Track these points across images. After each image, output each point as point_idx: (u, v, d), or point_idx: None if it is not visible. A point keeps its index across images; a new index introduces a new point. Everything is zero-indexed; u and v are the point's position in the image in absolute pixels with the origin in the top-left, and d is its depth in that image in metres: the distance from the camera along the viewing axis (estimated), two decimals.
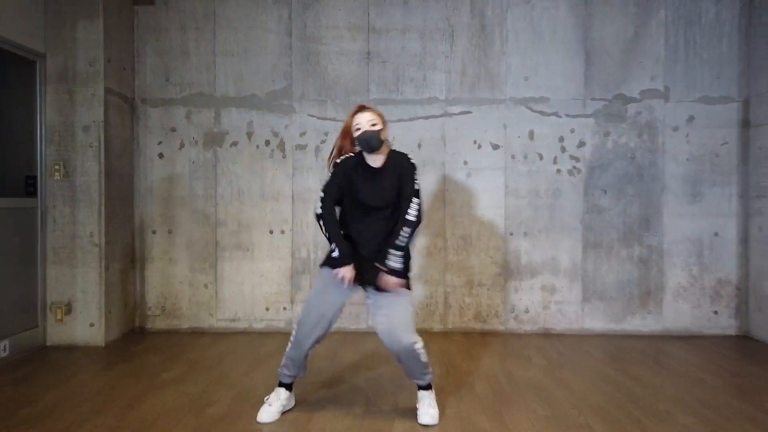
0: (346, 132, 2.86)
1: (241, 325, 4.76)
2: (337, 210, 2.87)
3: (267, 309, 4.76)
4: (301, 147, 4.76)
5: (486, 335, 4.63)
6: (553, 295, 4.71)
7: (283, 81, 4.76)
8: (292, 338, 2.91)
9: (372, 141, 2.75)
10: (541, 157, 4.72)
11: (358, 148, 2.86)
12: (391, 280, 2.77)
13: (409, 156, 2.90)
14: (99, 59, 4.24)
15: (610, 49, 4.70)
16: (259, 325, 4.75)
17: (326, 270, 2.87)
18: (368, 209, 2.82)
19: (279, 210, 4.75)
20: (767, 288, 4.38)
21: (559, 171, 4.71)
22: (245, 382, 3.44)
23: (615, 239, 4.69)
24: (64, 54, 4.23)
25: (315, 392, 3.26)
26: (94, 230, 4.25)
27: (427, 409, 2.80)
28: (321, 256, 4.74)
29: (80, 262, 4.25)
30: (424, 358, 2.79)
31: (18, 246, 4.02)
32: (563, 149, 4.71)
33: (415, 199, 2.81)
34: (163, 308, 4.76)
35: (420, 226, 2.85)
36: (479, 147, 4.74)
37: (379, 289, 2.80)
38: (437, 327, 4.74)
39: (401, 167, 2.84)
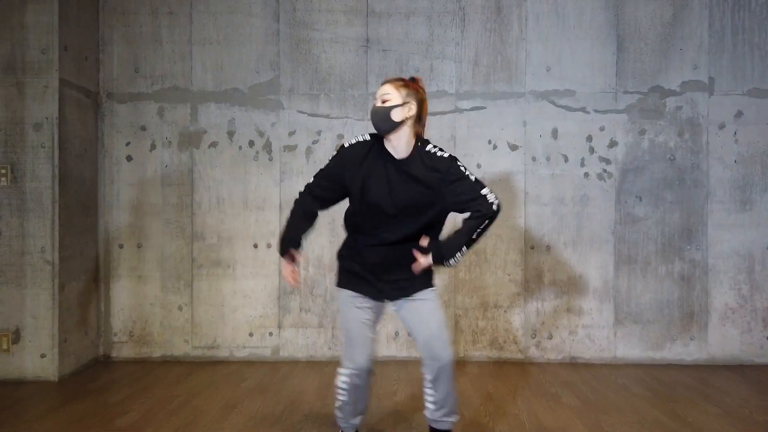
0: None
1: (221, 353, 4.13)
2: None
3: (251, 335, 4.13)
4: (290, 148, 4.15)
5: (503, 365, 4.01)
6: (581, 318, 4.08)
7: (269, 72, 4.16)
8: (344, 378, 2.34)
9: (376, 121, 2.16)
10: (566, 159, 4.10)
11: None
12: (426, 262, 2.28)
13: (442, 152, 2.29)
14: (53, 46, 3.64)
15: (646, 35, 4.09)
16: (241, 353, 4.13)
17: (343, 291, 2.41)
18: (383, 217, 2.23)
19: (265, 220, 4.14)
20: None
21: (587, 175, 4.09)
22: (217, 429, 2.82)
23: (652, 253, 4.07)
24: (11, 40, 3.63)
25: None
26: (47, 244, 3.63)
27: None
28: (313, 273, 4.13)
29: (30, 282, 3.63)
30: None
31: None
32: (592, 150, 4.09)
33: (483, 191, 2.25)
34: (131, 334, 4.14)
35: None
36: (495, 147, 4.12)
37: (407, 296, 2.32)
38: None
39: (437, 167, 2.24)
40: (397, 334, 4.13)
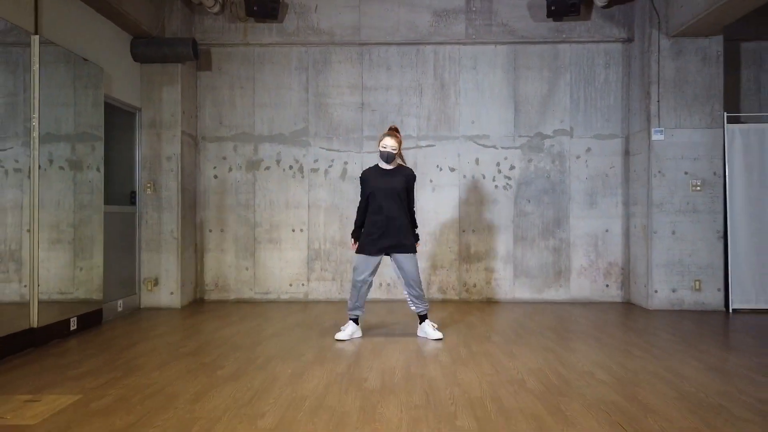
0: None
1: (272, 296, 6.69)
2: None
3: (290, 285, 6.69)
4: (315, 170, 6.73)
5: (446, 303, 6.56)
6: (493, 274, 6.66)
7: (302, 123, 6.74)
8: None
9: (386, 159, 4.72)
10: (483, 177, 6.69)
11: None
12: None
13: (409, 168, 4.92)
14: (177, 111, 6.22)
15: (532, 101, 6.70)
16: (284, 297, 6.69)
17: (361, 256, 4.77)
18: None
19: (299, 215, 6.71)
20: (639, 268, 6.34)
21: (496, 186, 6.68)
22: (281, 323, 5.39)
23: (536, 234, 6.65)
24: (153, 109, 6.21)
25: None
26: (174, 228, 6.20)
27: (433, 330, 4.70)
28: (329, 246, 6.70)
29: (164, 249, 6.19)
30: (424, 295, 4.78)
31: (125, 239, 5.97)
32: (499, 171, 6.68)
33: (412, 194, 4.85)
34: (216, 285, 6.70)
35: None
36: (441, 170, 6.70)
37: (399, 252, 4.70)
38: None
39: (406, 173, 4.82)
40: (380, 284, 6.69)
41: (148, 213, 6.20)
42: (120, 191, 6.09)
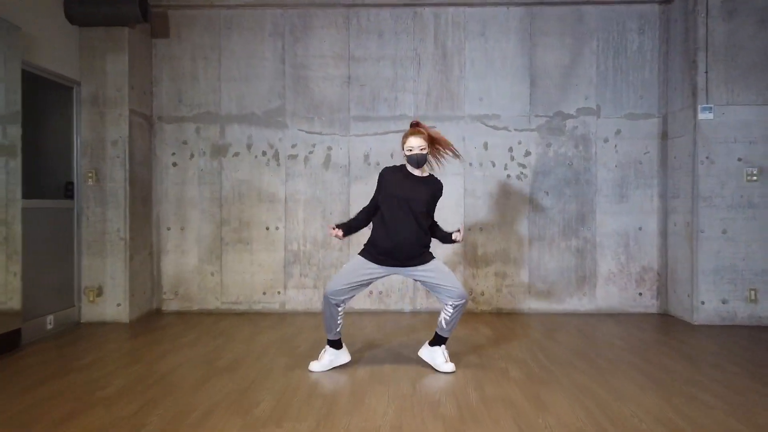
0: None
1: (242, 307, 5.64)
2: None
3: (264, 293, 5.64)
4: (293, 156, 5.66)
5: None
6: (504, 280, 5.61)
7: (277, 101, 5.66)
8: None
9: (418, 161, 3.65)
10: (493, 165, 5.62)
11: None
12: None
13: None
14: (125, 86, 5.15)
15: (551, 74, 5.61)
16: (257, 307, 5.64)
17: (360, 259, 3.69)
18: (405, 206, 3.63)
19: (274, 210, 5.65)
20: (680, 273, 5.29)
21: (509, 176, 5.61)
22: (247, 344, 4.34)
23: (556, 233, 5.59)
24: (95, 82, 5.13)
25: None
26: (121, 227, 5.14)
27: (444, 362, 3.65)
28: (310, 248, 5.64)
29: (109, 253, 5.14)
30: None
31: (58, 240, 4.91)
32: (512, 158, 5.61)
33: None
34: (176, 293, 5.65)
35: None
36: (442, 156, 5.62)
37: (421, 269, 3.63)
38: (408, 308, 5.63)
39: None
40: (371, 293, 5.64)
41: (89, 208, 5.14)
42: (53, 183, 5.03)
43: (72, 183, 5.07)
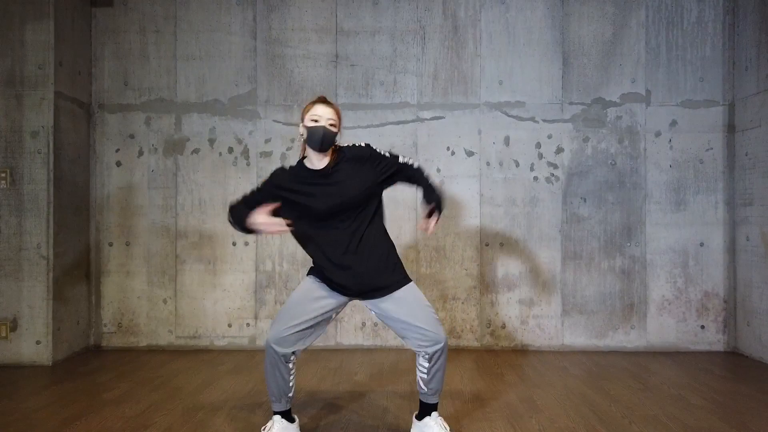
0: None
1: (202, 342, 4.50)
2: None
3: (229, 325, 4.50)
4: (266, 154, 4.54)
5: (461, 352, 4.37)
6: (531, 309, 4.47)
7: (247, 85, 4.56)
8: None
9: (325, 138, 2.48)
10: (517, 164, 4.50)
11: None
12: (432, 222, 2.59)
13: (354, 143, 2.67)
14: (49, 62, 4.04)
15: (589, 51, 4.50)
16: (221, 342, 4.50)
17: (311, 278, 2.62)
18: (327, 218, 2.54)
19: None
20: (756, 300, 4.14)
21: (536, 178, 4.49)
22: (192, 401, 3.18)
23: (596, 249, 4.46)
24: (11, 56, 4.03)
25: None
26: (42, 241, 4.01)
27: None
28: (287, 268, 4.51)
29: (26, 275, 4.00)
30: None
31: None
32: (540, 156, 4.49)
33: (401, 159, 2.65)
34: (120, 325, 4.51)
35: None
36: (453, 153, 4.52)
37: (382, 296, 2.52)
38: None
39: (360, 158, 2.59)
40: (363, 324, 4.50)
41: (1, 219, 4.01)
42: None
43: None
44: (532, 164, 4.49)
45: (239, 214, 2.54)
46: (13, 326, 4.01)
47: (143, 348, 4.49)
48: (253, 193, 2.62)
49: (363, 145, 2.63)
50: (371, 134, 4.48)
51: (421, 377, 2.53)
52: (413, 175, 2.68)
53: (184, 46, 4.55)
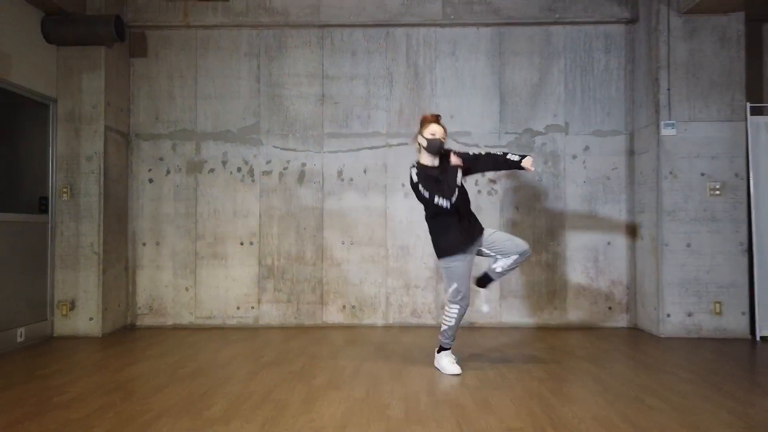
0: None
1: (216, 321, 5.68)
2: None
3: (238, 308, 5.69)
4: (267, 173, 5.75)
5: (420, 328, 5.56)
6: (477, 294, 5.65)
7: (252, 119, 5.78)
8: (456, 315, 3.89)
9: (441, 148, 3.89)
10: (465, 180, 5.69)
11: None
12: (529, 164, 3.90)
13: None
14: (100, 103, 5.26)
15: (520, 92, 5.74)
16: (231, 322, 5.68)
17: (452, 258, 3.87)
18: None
19: (248, 225, 5.72)
20: (647, 286, 5.35)
21: (479, 192, 5.70)
22: (212, 357, 4.37)
23: None
24: (71, 99, 5.25)
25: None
26: (94, 241, 5.20)
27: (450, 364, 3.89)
28: (284, 263, 5.70)
29: (82, 267, 5.19)
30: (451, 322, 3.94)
31: (32, 254, 4.97)
32: (483, 174, 5.70)
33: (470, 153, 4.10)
34: (151, 308, 5.69)
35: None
36: None
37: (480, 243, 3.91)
38: (380, 322, 5.67)
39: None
40: (343, 307, 5.68)
41: (63, 223, 5.21)
42: (28, 197, 5.10)
43: (46, 198, 5.15)
44: (477, 180, 5.71)
45: (439, 192, 3.81)
46: (72, 306, 5.19)
47: (169, 326, 5.67)
48: (421, 190, 3.86)
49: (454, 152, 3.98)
50: (350, 157, 5.70)
51: (502, 264, 3.91)
52: (490, 159, 4.02)
53: (202, 88, 5.78)
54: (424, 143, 3.90)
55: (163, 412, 3.02)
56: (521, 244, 3.89)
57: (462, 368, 3.89)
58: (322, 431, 2.74)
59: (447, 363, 3.88)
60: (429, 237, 4.09)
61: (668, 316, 5.09)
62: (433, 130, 3.86)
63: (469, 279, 3.93)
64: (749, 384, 3.58)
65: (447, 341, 3.97)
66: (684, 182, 5.13)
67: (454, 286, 3.87)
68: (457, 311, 3.89)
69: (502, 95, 5.75)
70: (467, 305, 3.94)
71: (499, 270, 3.94)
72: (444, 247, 3.90)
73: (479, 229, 3.94)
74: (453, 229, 3.85)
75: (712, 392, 3.38)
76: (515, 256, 3.88)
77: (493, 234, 3.95)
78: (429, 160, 3.95)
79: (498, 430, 2.74)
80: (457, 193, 3.81)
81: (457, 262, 3.86)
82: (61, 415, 2.96)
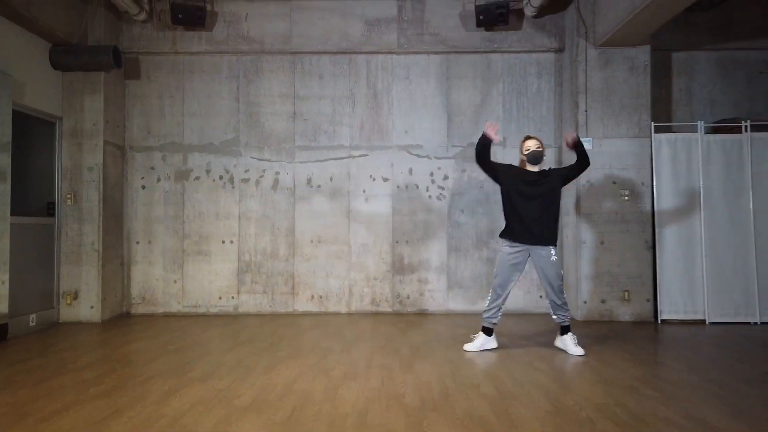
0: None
1: (201, 310, 6.53)
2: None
3: (220, 298, 6.54)
4: (245, 180, 6.61)
5: (378, 315, 6.44)
6: (427, 285, 6.55)
7: (232, 133, 6.63)
8: (488, 300, 4.76)
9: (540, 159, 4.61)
10: (417, 187, 6.60)
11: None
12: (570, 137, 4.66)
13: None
14: (100, 120, 6.09)
15: (465, 111, 6.64)
16: (214, 310, 6.53)
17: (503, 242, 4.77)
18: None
19: (229, 226, 6.58)
20: (570, 278, 6.26)
21: (430, 196, 6.59)
22: (198, 336, 5.24)
23: (470, 245, 6.57)
24: (75, 117, 6.07)
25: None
26: (95, 240, 6.04)
27: (574, 346, 4.53)
28: (260, 258, 6.56)
29: (84, 262, 6.03)
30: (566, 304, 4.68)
31: (41, 251, 5.80)
32: (433, 181, 6.60)
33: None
34: (143, 298, 6.54)
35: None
36: (374, 180, 6.61)
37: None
38: (344, 310, 6.55)
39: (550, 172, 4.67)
40: (312, 297, 6.55)
41: (68, 224, 6.04)
42: (37, 203, 5.92)
43: (53, 203, 5.98)
44: (428, 187, 6.60)
45: (483, 149, 4.64)
46: (75, 296, 6.02)
47: (160, 314, 6.51)
48: (495, 164, 4.71)
49: (549, 168, 4.75)
50: (318, 167, 6.57)
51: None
52: (572, 169, 4.69)
53: (189, 106, 6.62)
54: (524, 158, 4.63)
55: (155, 374, 3.88)
56: (552, 294, 4.62)
57: (403, 346, 4.77)
58: (277, 387, 3.61)
59: (480, 342, 4.66)
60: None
61: (585, 302, 6.01)
62: (528, 146, 4.59)
63: (509, 277, 4.66)
64: (622, 353, 4.50)
65: (485, 320, 4.71)
66: (599, 189, 6.05)
67: (495, 272, 4.73)
68: (489, 297, 4.74)
69: (449, 113, 6.64)
70: (498, 298, 4.68)
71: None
72: (503, 230, 4.73)
73: (542, 241, 4.54)
74: (517, 221, 4.60)
75: (588, 359, 4.29)
76: (547, 302, 4.71)
77: (551, 260, 4.57)
78: (531, 168, 4.63)
79: (405, 386, 3.64)
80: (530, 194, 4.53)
81: (505, 248, 4.69)
82: (77, 376, 3.81)
